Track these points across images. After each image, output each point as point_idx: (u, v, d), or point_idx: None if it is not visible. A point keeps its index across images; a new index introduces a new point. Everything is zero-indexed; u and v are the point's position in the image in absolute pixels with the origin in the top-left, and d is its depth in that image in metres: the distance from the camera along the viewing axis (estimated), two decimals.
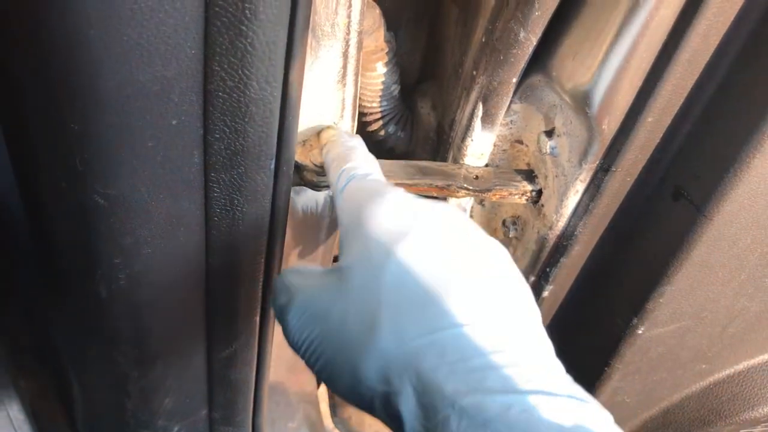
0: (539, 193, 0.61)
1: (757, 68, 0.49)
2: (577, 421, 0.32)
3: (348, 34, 0.49)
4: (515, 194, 0.61)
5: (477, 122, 0.59)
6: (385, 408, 0.36)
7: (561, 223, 0.60)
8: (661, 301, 0.61)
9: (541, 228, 0.62)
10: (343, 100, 0.53)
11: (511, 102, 0.59)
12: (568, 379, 0.35)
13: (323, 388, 0.93)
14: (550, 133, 0.58)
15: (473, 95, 0.58)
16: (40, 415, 0.74)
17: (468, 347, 0.35)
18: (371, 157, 0.50)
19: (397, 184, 0.57)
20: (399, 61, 0.66)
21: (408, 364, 0.35)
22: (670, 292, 0.60)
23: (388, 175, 0.57)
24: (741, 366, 0.77)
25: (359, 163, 0.47)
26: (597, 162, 0.55)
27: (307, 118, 0.52)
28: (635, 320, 0.64)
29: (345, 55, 0.50)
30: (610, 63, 0.50)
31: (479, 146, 0.61)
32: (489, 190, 0.59)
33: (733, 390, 0.77)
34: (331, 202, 0.61)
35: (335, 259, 0.70)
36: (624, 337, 0.65)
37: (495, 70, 0.55)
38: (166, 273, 0.47)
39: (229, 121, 0.39)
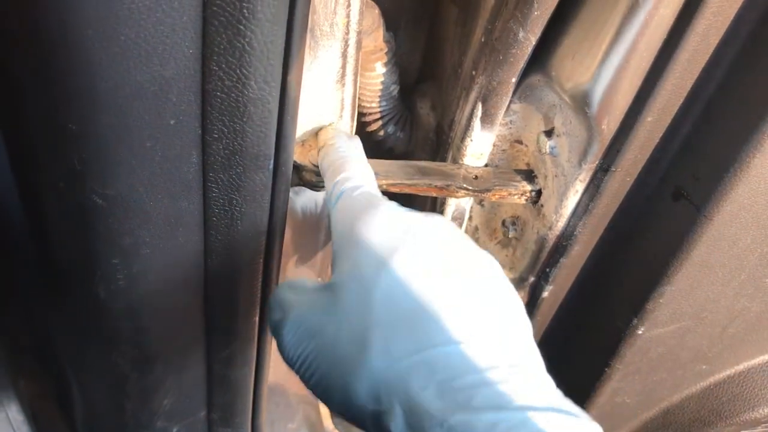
0: (539, 193, 0.61)
1: (757, 68, 0.49)
2: None
3: (347, 33, 0.49)
4: (515, 194, 0.61)
5: (476, 122, 0.59)
6: (375, 426, 0.37)
7: (561, 224, 0.60)
8: (661, 301, 0.61)
9: (540, 228, 0.62)
10: (342, 100, 0.53)
11: (510, 102, 0.59)
12: (558, 394, 0.36)
13: None
14: (549, 133, 0.58)
15: (472, 95, 0.58)
16: (39, 417, 0.74)
17: (457, 365, 0.35)
18: (366, 164, 0.50)
19: (396, 185, 0.57)
20: (398, 61, 0.66)
21: (397, 383, 0.35)
22: (670, 293, 0.60)
23: (387, 175, 0.56)
24: (741, 366, 0.77)
25: (353, 174, 0.47)
26: (596, 162, 0.55)
27: (306, 119, 0.52)
28: (635, 320, 0.63)
29: (344, 55, 0.50)
30: (610, 62, 0.50)
31: (478, 146, 0.61)
32: (488, 190, 0.59)
33: (733, 391, 0.77)
34: None
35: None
36: (624, 337, 0.65)
37: (494, 70, 0.55)
38: (164, 273, 0.47)
39: (227, 120, 0.38)
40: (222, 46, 0.35)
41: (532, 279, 0.66)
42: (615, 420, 0.78)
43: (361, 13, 0.49)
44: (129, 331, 0.52)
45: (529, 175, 0.61)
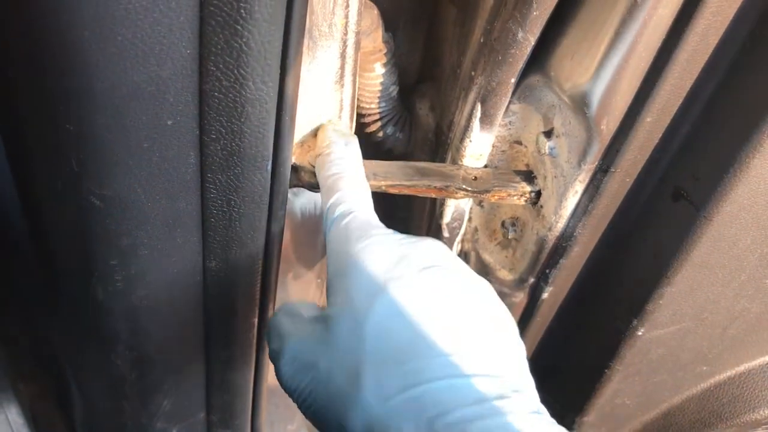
0: (538, 194, 0.61)
1: (757, 68, 0.49)
2: None
3: (345, 34, 0.49)
4: (514, 195, 0.60)
5: (475, 123, 0.59)
6: None
7: (560, 224, 0.60)
8: (661, 302, 0.61)
9: (540, 229, 0.62)
10: (341, 101, 0.53)
11: (509, 102, 0.58)
12: (550, 421, 0.36)
13: None
14: (548, 134, 0.58)
15: (471, 96, 0.58)
16: (38, 419, 0.74)
17: (447, 401, 0.35)
18: (361, 177, 0.50)
19: (395, 186, 0.57)
20: (397, 61, 0.66)
21: (389, 423, 0.36)
22: (670, 294, 0.60)
23: (386, 176, 0.56)
24: (742, 368, 0.77)
25: (346, 195, 0.47)
26: (596, 163, 0.55)
27: (304, 119, 0.52)
28: (635, 322, 0.63)
29: (343, 55, 0.50)
30: (609, 63, 0.50)
31: (478, 147, 0.61)
32: (488, 191, 0.59)
33: (733, 392, 0.76)
34: None
35: None
36: (624, 338, 0.65)
37: (493, 71, 0.55)
38: (163, 274, 0.47)
39: (225, 121, 0.38)
40: (219, 47, 0.35)
41: (531, 280, 0.66)
42: (615, 422, 0.78)
43: (360, 13, 0.49)
44: (128, 332, 0.52)
45: (529, 176, 0.61)
